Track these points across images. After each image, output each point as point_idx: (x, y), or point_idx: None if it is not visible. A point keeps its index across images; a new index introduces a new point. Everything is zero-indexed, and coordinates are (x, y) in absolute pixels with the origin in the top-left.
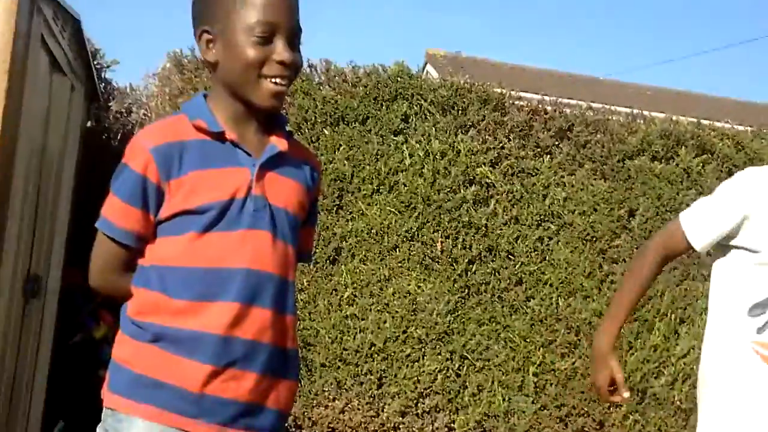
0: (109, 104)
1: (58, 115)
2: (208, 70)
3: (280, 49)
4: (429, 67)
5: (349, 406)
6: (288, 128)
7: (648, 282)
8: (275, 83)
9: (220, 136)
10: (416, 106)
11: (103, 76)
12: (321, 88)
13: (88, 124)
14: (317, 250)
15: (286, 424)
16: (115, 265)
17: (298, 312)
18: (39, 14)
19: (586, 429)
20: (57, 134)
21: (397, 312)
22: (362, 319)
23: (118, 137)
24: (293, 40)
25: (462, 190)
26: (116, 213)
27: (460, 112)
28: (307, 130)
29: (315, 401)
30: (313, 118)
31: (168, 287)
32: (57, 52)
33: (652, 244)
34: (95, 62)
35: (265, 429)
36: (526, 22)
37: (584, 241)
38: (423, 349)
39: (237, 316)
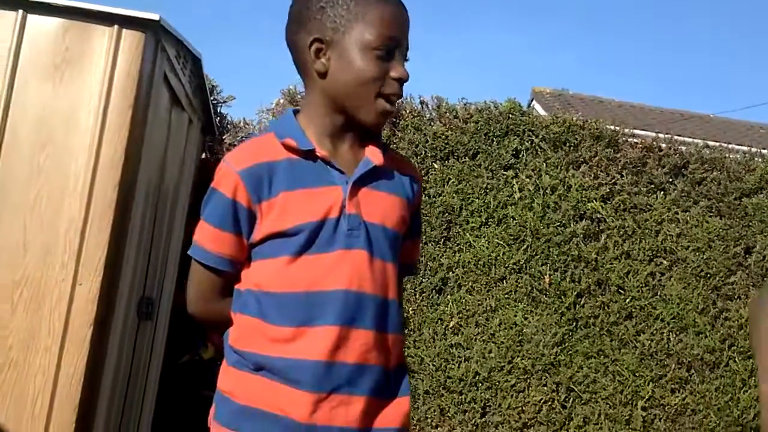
0: (223, 138)
1: (175, 148)
2: (305, 79)
3: (398, 67)
4: (535, 104)
5: None
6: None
7: None
8: (389, 102)
9: (310, 155)
10: (527, 141)
11: (218, 110)
12: (432, 123)
13: (203, 156)
14: (423, 280)
15: None
16: (210, 292)
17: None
18: (163, 53)
19: None
20: (174, 165)
21: (502, 342)
22: (467, 348)
23: None
24: (407, 57)
25: (572, 225)
26: (208, 239)
27: (571, 148)
28: (417, 164)
29: (418, 427)
30: (423, 153)
31: (266, 313)
32: (177, 88)
33: None
34: (212, 98)
35: None
36: (632, 59)
37: (698, 278)
38: (528, 380)
39: (338, 339)
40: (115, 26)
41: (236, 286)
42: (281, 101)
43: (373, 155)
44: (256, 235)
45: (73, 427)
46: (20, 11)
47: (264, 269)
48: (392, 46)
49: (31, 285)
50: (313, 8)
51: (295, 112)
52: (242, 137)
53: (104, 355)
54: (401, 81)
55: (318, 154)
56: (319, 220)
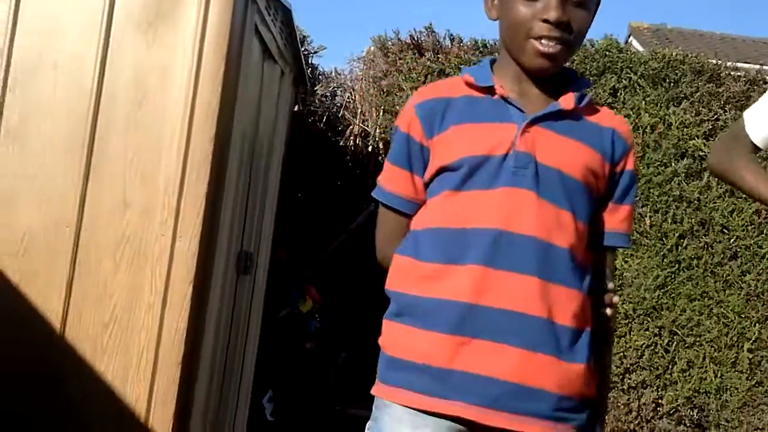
0: (315, 89)
1: (268, 100)
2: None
3: (546, 6)
4: (633, 41)
5: None
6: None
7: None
8: (541, 44)
9: (489, 91)
10: (625, 79)
11: (310, 61)
12: None
13: (295, 108)
14: None
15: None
16: (392, 234)
17: (587, 292)
18: (254, 4)
19: None
20: (267, 119)
21: None
22: None
23: (323, 120)
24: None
25: (673, 164)
26: (387, 178)
27: (671, 84)
28: None
29: None
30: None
31: (419, 251)
32: (268, 39)
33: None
34: (303, 48)
35: (541, 415)
36: None
37: None
38: (630, 325)
39: (482, 280)
40: None
41: None
42: (372, 49)
43: (565, 100)
44: (428, 173)
45: (177, 383)
46: None
47: (429, 207)
48: None
49: (132, 243)
50: None
51: (494, 62)
52: (333, 87)
53: (205, 310)
54: (552, 23)
55: (497, 91)
56: (483, 155)
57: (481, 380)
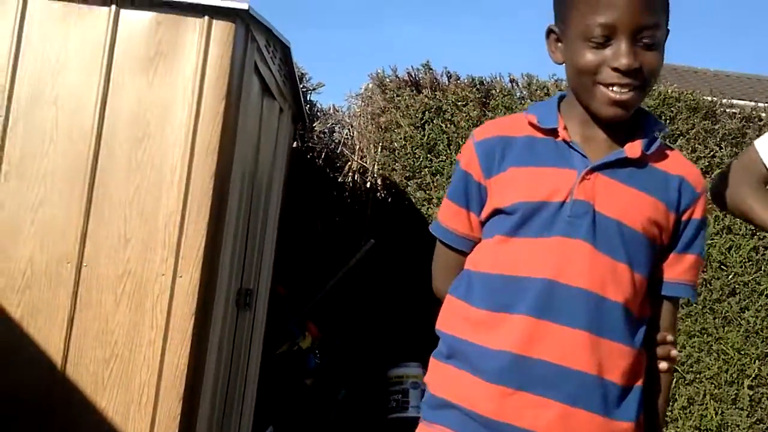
0: (314, 125)
1: (267, 137)
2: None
3: (616, 54)
4: None
5: None
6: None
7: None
8: (612, 91)
9: (551, 134)
10: None
11: (308, 98)
12: (523, 102)
13: (294, 144)
14: None
15: None
16: (446, 269)
17: (641, 346)
18: (253, 42)
19: None
20: (266, 155)
21: None
22: None
23: (322, 157)
24: (644, 40)
25: None
26: (443, 212)
27: (668, 121)
28: None
29: None
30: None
31: (471, 294)
32: (267, 77)
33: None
34: (301, 85)
35: None
36: (724, 25)
37: None
38: None
39: (530, 332)
40: (206, 17)
41: None
42: (369, 86)
43: (631, 148)
44: (485, 212)
45: (178, 419)
46: (113, 6)
47: (482, 249)
48: (610, 32)
49: (132, 278)
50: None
51: (562, 98)
52: (332, 124)
53: (206, 346)
54: (622, 71)
55: (560, 134)
56: (539, 201)
57: None
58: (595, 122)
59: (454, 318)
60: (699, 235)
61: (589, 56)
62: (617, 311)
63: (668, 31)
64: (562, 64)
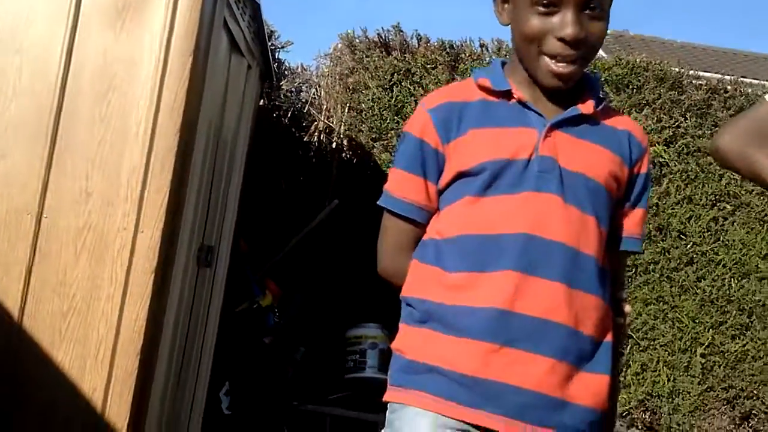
0: (281, 84)
1: (234, 94)
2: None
3: (562, 23)
4: None
5: None
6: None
7: None
8: (555, 64)
9: (506, 95)
10: None
11: (276, 56)
12: None
13: (261, 102)
14: None
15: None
16: (402, 244)
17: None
18: None
19: (754, 412)
20: (232, 112)
21: None
22: None
23: (288, 116)
24: (591, 10)
25: None
26: (396, 184)
27: (634, 90)
28: None
29: None
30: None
31: (443, 260)
32: (236, 33)
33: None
34: (270, 43)
35: (568, 428)
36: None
37: (761, 222)
38: None
39: (515, 286)
40: None
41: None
42: (339, 46)
43: (584, 104)
44: (444, 179)
45: (135, 374)
46: None
47: (447, 214)
48: (555, 0)
49: (93, 232)
50: None
51: (504, 64)
52: (299, 83)
53: (165, 302)
54: (564, 41)
55: (515, 95)
56: (505, 158)
57: (509, 390)
58: (540, 88)
59: (427, 283)
60: (647, 189)
61: (535, 22)
62: (590, 264)
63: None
64: (507, 25)
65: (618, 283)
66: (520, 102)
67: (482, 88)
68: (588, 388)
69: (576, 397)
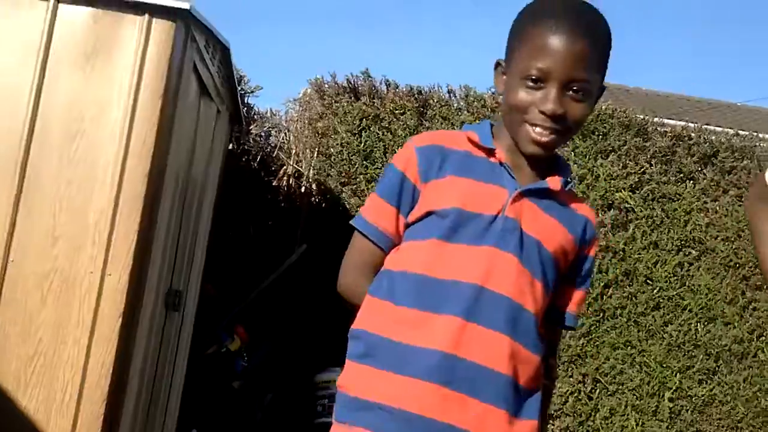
0: (250, 128)
1: (203, 138)
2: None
3: (545, 98)
4: None
5: None
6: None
7: None
8: (535, 132)
9: (489, 153)
10: None
11: (246, 101)
12: (460, 113)
13: (230, 146)
14: None
15: None
16: (365, 266)
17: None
18: (193, 43)
19: None
20: (201, 156)
21: None
22: None
23: (257, 160)
24: (573, 92)
25: (600, 215)
26: (371, 209)
27: (600, 137)
28: None
29: None
30: None
31: (395, 294)
32: (206, 77)
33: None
34: (240, 88)
35: None
36: (656, 47)
37: (726, 268)
38: None
39: (460, 332)
40: (146, 15)
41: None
42: (308, 91)
43: (552, 181)
44: (413, 215)
45: (101, 419)
46: (52, 0)
47: (410, 250)
48: (544, 76)
49: (60, 276)
50: (509, 31)
51: (492, 126)
52: (268, 127)
53: (132, 346)
54: (547, 115)
55: (497, 155)
56: (474, 212)
57: (444, 428)
58: (521, 152)
59: (377, 317)
60: (591, 274)
61: (522, 94)
62: (531, 321)
63: (604, 87)
64: (501, 95)
65: (551, 350)
66: (501, 163)
67: (470, 141)
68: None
69: None
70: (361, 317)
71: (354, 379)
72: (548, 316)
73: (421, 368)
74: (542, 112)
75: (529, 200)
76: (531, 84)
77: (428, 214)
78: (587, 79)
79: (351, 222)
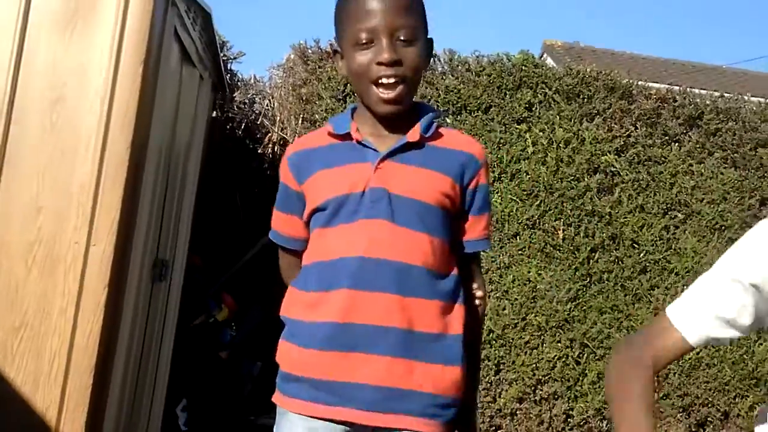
0: (234, 95)
1: (186, 105)
2: None
3: (378, 51)
4: (547, 58)
5: None
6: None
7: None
8: (383, 87)
9: (346, 138)
10: (540, 94)
11: (229, 67)
12: (444, 77)
13: (213, 114)
14: None
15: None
16: (289, 266)
17: (448, 299)
18: (173, 8)
19: (709, 419)
20: (185, 124)
21: (516, 299)
22: None
23: (242, 127)
24: (403, 38)
25: (586, 178)
26: (276, 221)
27: (585, 100)
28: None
29: None
30: (436, 107)
31: (306, 282)
32: (188, 44)
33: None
34: (222, 54)
35: (414, 412)
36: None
37: (712, 230)
38: (542, 337)
39: (349, 302)
40: None
41: None
42: (292, 57)
43: (411, 133)
44: (305, 214)
45: (89, 390)
46: None
47: (310, 244)
48: (371, 35)
49: (45, 247)
50: (334, 22)
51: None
52: (252, 94)
53: (119, 316)
54: (385, 63)
55: (353, 137)
56: (343, 194)
57: (356, 387)
58: (380, 121)
59: (292, 304)
60: (487, 197)
61: (360, 58)
62: (421, 273)
63: (431, 39)
64: (346, 76)
65: (472, 279)
66: (358, 142)
67: (329, 134)
68: (429, 377)
69: (419, 386)
70: (284, 305)
71: (282, 355)
72: (455, 251)
73: (318, 339)
74: (380, 63)
75: (392, 161)
76: (363, 46)
77: (314, 210)
78: (411, 24)
79: (269, 235)
